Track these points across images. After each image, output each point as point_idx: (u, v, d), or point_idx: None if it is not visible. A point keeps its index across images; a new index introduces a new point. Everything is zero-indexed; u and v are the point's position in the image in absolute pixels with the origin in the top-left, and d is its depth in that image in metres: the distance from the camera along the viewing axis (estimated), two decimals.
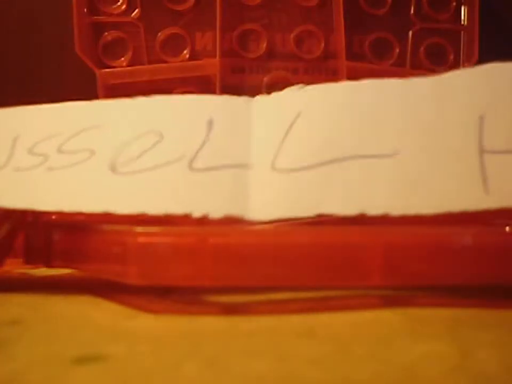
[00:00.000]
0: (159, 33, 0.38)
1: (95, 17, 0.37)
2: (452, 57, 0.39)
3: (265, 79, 0.38)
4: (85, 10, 0.37)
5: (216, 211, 0.18)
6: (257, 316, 0.17)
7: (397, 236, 0.18)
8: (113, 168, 0.19)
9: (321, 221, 0.23)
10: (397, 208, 0.18)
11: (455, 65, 0.39)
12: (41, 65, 0.42)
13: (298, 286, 0.19)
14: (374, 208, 0.18)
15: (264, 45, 0.38)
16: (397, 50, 0.39)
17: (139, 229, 0.18)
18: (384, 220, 0.23)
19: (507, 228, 0.19)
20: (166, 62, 0.38)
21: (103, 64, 0.37)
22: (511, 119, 0.18)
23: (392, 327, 0.15)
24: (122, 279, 0.20)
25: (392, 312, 0.17)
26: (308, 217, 0.20)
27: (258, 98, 0.19)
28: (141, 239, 0.18)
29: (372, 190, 0.18)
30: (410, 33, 0.39)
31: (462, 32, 0.39)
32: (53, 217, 0.24)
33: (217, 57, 0.37)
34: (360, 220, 0.23)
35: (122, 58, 0.37)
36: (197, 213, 0.18)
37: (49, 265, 0.22)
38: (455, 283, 0.18)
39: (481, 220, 0.21)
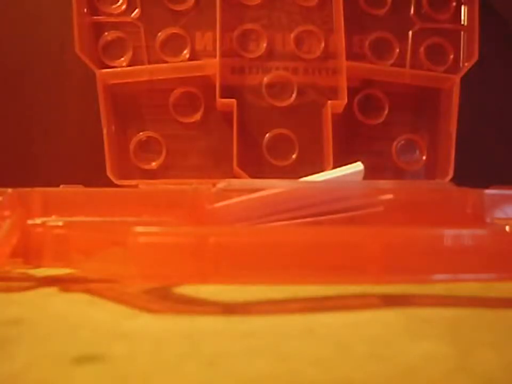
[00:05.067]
0: (159, 33, 0.38)
1: (95, 17, 0.37)
2: (452, 57, 0.39)
3: (265, 79, 0.38)
4: (85, 10, 0.37)
5: None
6: (257, 316, 0.17)
7: (395, 236, 0.18)
8: None
9: (320, 221, 0.23)
10: None
11: (455, 65, 0.39)
12: (41, 65, 0.42)
13: (298, 286, 0.19)
14: None
15: (264, 45, 0.38)
16: (397, 50, 0.39)
17: (139, 228, 0.18)
18: (382, 220, 0.23)
19: (507, 228, 0.19)
20: (166, 62, 0.38)
21: (103, 64, 0.37)
22: None
23: (392, 327, 0.15)
24: (122, 279, 0.20)
25: (392, 312, 0.17)
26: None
27: None
28: (141, 239, 0.18)
29: None
30: (410, 33, 0.39)
31: (462, 32, 0.39)
32: (53, 216, 0.24)
33: (217, 57, 0.37)
34: (359, 220, 0.23)
35: (122, 58, 0.37)
36: None
37: (49, 265, 0.22)
38: (455, 282, 0.18)
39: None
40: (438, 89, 0.39)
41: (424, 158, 0.39)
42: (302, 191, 0.26)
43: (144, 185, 0.36)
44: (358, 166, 0.29)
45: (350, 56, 0.38)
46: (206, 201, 0.25)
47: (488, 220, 0.25)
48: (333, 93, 0.38)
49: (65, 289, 0.20)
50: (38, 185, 0.26)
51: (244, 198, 0.25)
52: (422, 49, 0.39)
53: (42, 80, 0.42)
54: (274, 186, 0.26)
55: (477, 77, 0.40)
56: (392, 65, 0.39)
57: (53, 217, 0.24)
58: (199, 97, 0.38)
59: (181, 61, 0.38)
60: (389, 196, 0.24)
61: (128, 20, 0.38)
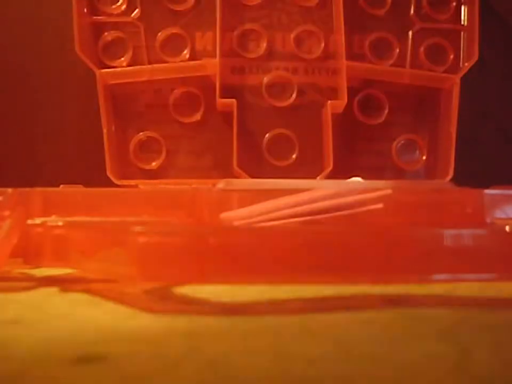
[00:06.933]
0: (159, 33, 0.38)
1: (95, 17, 0.37)
2: (452, 57, 0.39)
3: (265, 79, 0.38)
4: (85, 10, 0.37)
5: None
6: (257, 316, 0.17)
7: (395, 236, 0.18)
8: None
9: (319, 220, 0.23)
10: None
11: (455, 65, 0.39)
12: (42, 65, 0.42)
13: (298, 285, 0.19)
14: None
15: (264, 45, 0.38)
16: (397, 50, 0.39)
17: (139, 228, 0.18)
18: (382, 220, 0.23)
19: (507, 228, 0.19)
20: (166, 62, 0.38)
21: (103, 64, 0.37)
22: None
23: (392, 327, 0.15)
24: (122, 279, 0.20)
25: (392, 312, 0.17)
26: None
27: None
28: (141, 239, 0.18)
29: None
30: (410, 33, 0.39)
31: (462, 32, 0.39)
32: (53, 216, 0.24)
33: (217, 57, 0.37)
34: (359, 220, 0.23)
35: (122, 58, 0.37)
36: None
37: (49, 265, 0.22)
38: (455, 282, 0.18)
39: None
40: (438, 89, 0.39)
41: (424, 158, 0.39)
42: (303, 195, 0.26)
43: (144, 185, 0.36)
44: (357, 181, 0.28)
45: (350, 56, 0.38)
46: (206, 202, 0.25)
47: (488, 220, 0.25)
48: (333, 93, 0.38)
49: (65, 289, 0.20)
50: (38, 185, 0.26)
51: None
52: (422, 49, 0.39)
53: (42, 80, 0.42)
54: (275, 186, 0.26)
55: (477, 77, 0.40)
56: (392, 65, 0.39)
57: (53, 217, 0.24)
58: (199, 97, 0.38)
59: (181, 61, 0.38)
60: (388, 191, 0.24)
61: (128, 19, 0.38)
